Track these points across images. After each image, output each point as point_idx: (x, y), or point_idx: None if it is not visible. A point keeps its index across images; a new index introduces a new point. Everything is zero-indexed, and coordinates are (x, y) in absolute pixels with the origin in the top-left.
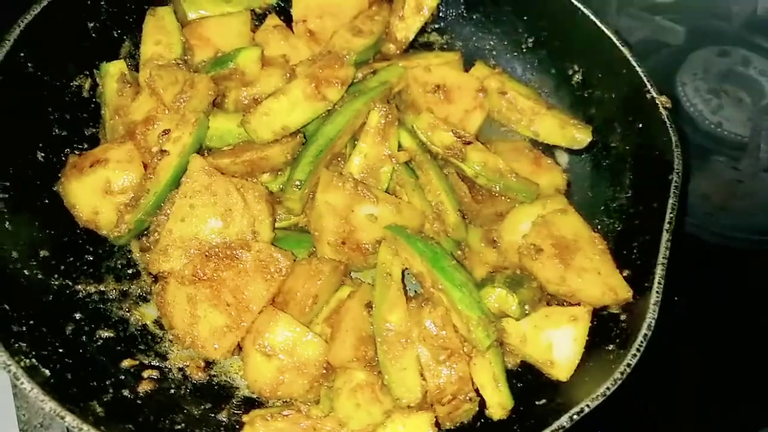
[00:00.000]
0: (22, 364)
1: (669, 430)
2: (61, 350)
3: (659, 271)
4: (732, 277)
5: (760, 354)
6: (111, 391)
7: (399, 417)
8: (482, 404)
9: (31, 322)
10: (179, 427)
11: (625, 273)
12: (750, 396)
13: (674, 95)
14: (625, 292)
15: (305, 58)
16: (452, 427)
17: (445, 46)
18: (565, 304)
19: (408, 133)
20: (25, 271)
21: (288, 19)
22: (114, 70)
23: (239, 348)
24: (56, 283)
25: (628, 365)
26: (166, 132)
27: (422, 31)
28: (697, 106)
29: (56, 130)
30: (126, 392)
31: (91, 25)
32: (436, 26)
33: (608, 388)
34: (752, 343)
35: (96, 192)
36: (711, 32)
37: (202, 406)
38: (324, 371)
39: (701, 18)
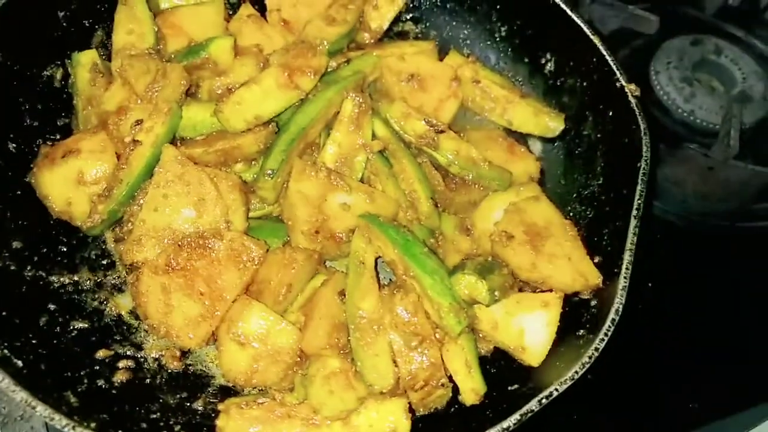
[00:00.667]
0: None
1: (638, 413)
2: (34, 341)
3: (627, 257)
4: (704, 261)
5: (731, 338)
6: (86, 381)
7: (372, 403)
8: (455, 390)
9: (4, 313)
10: (155, 416)
11: (597, 259)
12: (720, 379)
13: (648, 84)
14: (595, 278)
15: (279, 47)
16: (426, 413)
17: (419, 36)
18: (537, 290)
19: (382, 122)
20: None
21: (262, 9)
22: (86, 59)
23: (214, 337)
24: (29, 274)
25: (596, 349)
26: (139, 122)
27: (397, 20)
28: (670, 95)
29: (28, 121)
30: (101, 382)
31: (62, 14)
32: (411, 15)
33: (576, 372)
34: (723, 327)
35: (69, 182)
36: (684, 21)
37: (178, 395)
38: (298, 359)
39: (674, 7)
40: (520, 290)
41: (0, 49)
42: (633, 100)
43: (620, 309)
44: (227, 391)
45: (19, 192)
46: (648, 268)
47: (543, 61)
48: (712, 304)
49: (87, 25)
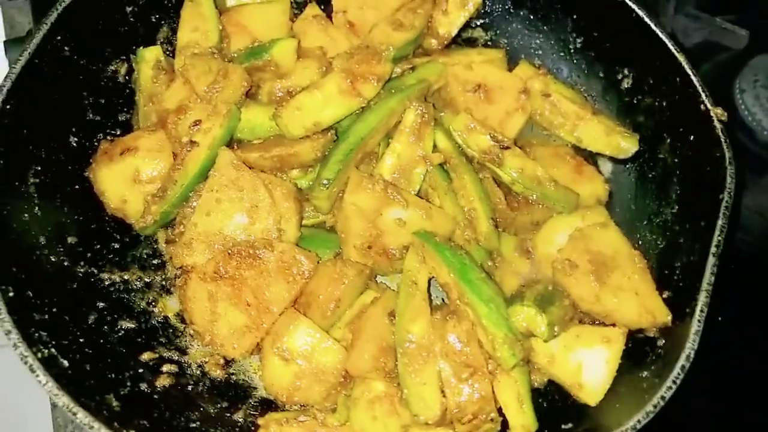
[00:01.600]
0: (40, 355)
1: None
2: (81, 340)
3: (702, 297)
4: None
5: None
6: (128, 384)
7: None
8: (504, 423)
9: (54, 309)
10: (194, 425)
11: (666, 294)
12: None
13: (732, 103)
14: (664, 316)
15: (343, 50)
16: None
17: (489, 43)
18: (598, 323)
19: (444, 134)
20: (52, 258)
21: (328, 10)
22: (150, 55)
23: (259, 347)
24: (81, 270)
25: (662, 398)
26: (198, 122)
27: (466, 26)
28: (756, 116)
29: (90, 115)
30: (143, 386)
31: (129, 9)
32: (481, 22)
33: (639, 421)
34: None
35: (125, 180)
36: None
37: (219, 405)
38: (342, 379)
39: (766, 20)
40: (581, 322)
41: (67, 43)
42: (718, 125)
43: (692, 355)
44: (268, 404)
45: (77, 187)
46: (722, 304)
47: (620, 76)
48: None
49: (153, 20)
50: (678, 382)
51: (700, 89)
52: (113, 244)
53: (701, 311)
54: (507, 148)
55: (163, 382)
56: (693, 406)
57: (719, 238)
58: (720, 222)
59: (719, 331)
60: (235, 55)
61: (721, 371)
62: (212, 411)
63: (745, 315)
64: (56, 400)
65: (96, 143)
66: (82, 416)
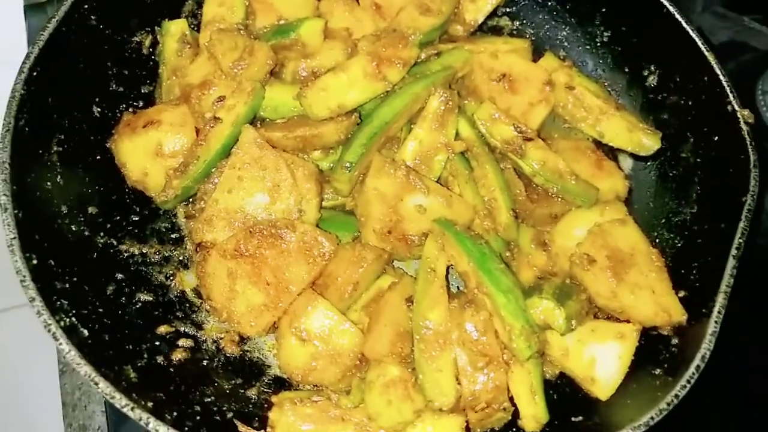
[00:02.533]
0: (62, 323)
1: None
2: (100, 310)
3: (721, 299)
4: None
5: None
6: (145, 356)
7: (429, 417)
8: (515, 413)
9: (75, 279)
10: (209, 399)
11: (681, 294)
12: None
13: (754, 104)
14: (680, 315)
15: (369, 32)
16: None
17: (514, 32)
18: (612, 318)
19: (467, 122)
20: (73, 227)
21: None
22: (175, 29)
23: (275, 327)
24: (101, 241)
25: (676, 396)
26: (222, 99)
27: (492, 14)
28: None
29: (114, 86)
30: (160, 359)
31: None
32: (508, 10)
33: (652, 418)
34: None
35: (147, 153)
36: None
37: (233, 381)
38: (358, 362)
39: None
40: (595, 316)
41: (94, 12)
42: (745, 128)
43: (707, 355)
44: (282, 383)
45: (98, 157)
46: (737, 308)
47: (645, 72)
48: None
49: None
50: (692, 381)
51: (728, 90)
52: (133, 216)
53: (719, 312)
54: (530, 139)
55: (178, 355)
56: (703, 405)
57: (740, 240)
58: (742, 224)
59: (728, 331)
60: (261, 32)
61: (728, 373)
62: (226, 387)
63: (755, 316)
64: (78, 369)
65: (118, 114)
66: (103, 386)
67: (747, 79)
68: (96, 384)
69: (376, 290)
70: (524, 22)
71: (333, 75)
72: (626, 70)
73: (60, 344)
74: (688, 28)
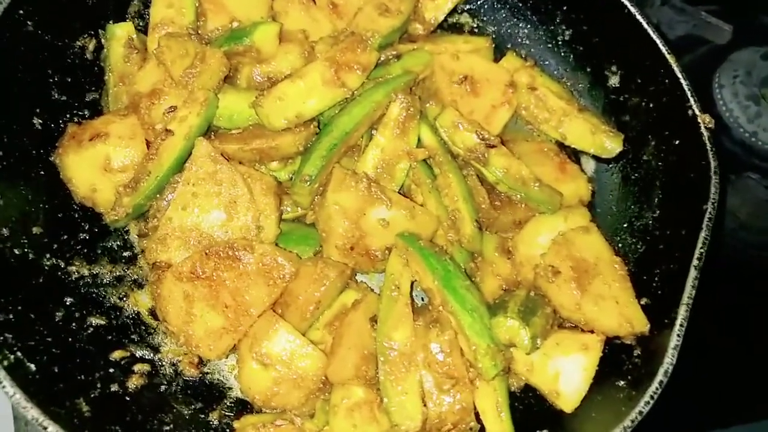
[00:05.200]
0: (6, 362)
1: None
2: (48, 339)
3: (683, 311)
4: (750, 298)
5: None
6: (99, 386)
7: None
8: (481, 430)
9: (19, 307)
10: (168, 428)
11: (644, 301)
12: None
13: (710, 98)
14: (642, 326)
15: (326, 34)
16: None
17: (475, 30)
18: (577, 329)
19: (429, 128)
20: (16, 250)
21: None
22: (121, 32)
23: (235, 347)
24: (48, 263)
25: (640, 412)
26: (173, 109)
27: (453, 11)
28: (733, 112)
29: (56, 95)
30: (115, 387)
31: None
32: (468, 7)
33: None
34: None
35: (94, 168)
36: (759, 32)
37: (193, 406)
38: (321, 385)
39: (752, 15)
40: (560, 326)
41: (30, 17)
42: (705, 133)
43: (669, 370)
44: (244, 405)
45: (42, 172)
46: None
47: (607, 73)
48: (757, 342)
49: None
50: (656, 397)
51: (689, 94)
52: (82, 234)
53: (681, 325)
54: (493, 146)
55: (135, 382)
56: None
57: (701, 250)
58: (703, 234)
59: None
60: (212, 34)
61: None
62: (186, 412)
63: (713, 311)
64: (25, 413)
65: (62, 126)
66: (52, 430)
67: (704, 73)
68: (45, 428)
69: (339, 306)
70: (485, 19)
71: (290, 82)
72: (588, 69)
73: (4, 387)
74: (649, 30)
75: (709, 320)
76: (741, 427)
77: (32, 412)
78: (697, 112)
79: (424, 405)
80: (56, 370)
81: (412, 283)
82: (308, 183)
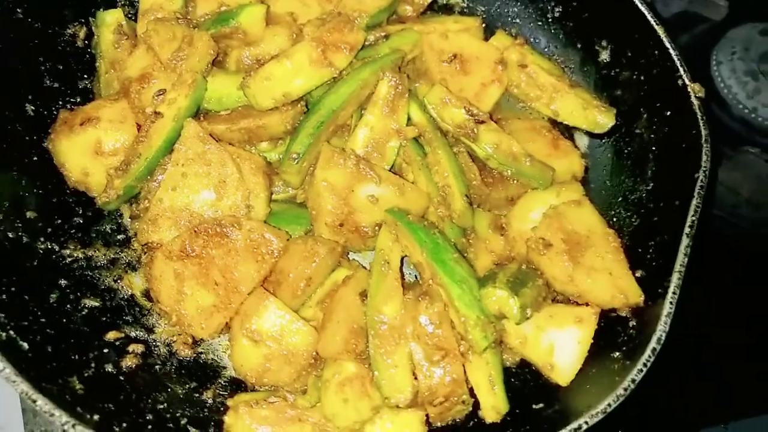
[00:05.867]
0: None
1: None
2: (43, 320)
3: (675, 279)
4: (750, 275)
5: None
6: (93, 366)
7: (388, 414)
8: (476, 404)
9: (13, 289)
10: (162, 406)
11: (639, 273)
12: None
13: (708, 75)
14: (637, 297)
15: (314, 17)
16: (442, 425)
17: (465, 10)
18: (571, 302)
19: (419, 107)
20: (9, 234)
21: None
22: (111, 19)
23: (228, 327)
24: (42, 246)
25: (633, 381)
26: (162, 92)
27: None
28: (731, 89)
29: (48, 82)
30: (109, 367)
31: None
32: None
33: (609, 405)
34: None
35: (86, 152)
36: (755, 8)
37: (187, 385)
38: (312, 361)
39: None
40: (554, 300)
41: (19, 3)
42: (696, 102)
43: (663, 338)
44: (238, 384)
45: (35, 158)
46: (686, 275)
47: (598, 48)
48: (755, 319)
49: None
50: (648, 364)
51: (678, 64)
52: (75, 218)
53: (673, 293)
54: (482, 122)
55: (129, 362)
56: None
57: (693, 218)
58: (694, 202)
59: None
60: (201, 20)
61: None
62: (180, 391)
63: (713, 290)
64: (15, 387)
65: (55, 112)
66: (41, 403)
67: (701, 50)
68: (34, 401)
69: (331, 284)
70: None
71: (277, 63)
72: (579, 46)
73: None
74: (636, 2)
75: (709, 301)
76: (738, 422)
77: (22, 386)
78: (687, 81)
79: (415, 378)
80: (50, 350)
81: (403, 259)
82: (296, 161)
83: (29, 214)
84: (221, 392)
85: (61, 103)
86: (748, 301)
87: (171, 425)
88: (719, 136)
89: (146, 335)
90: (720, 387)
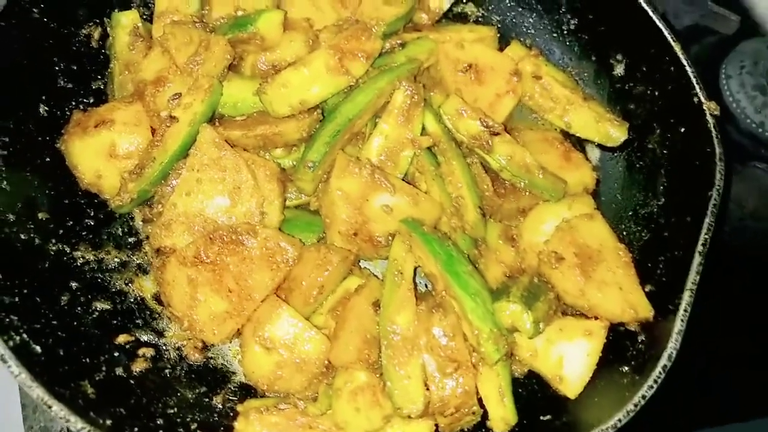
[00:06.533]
0: (11, 343)
1: None
2: (54, 323)
3: (686, 297)
4: (754, 288)
5: None
6: (104, 369)
7: (399, 423)
8: (484, 414)
9: (25, 291)
10: (172, 411)
11: (648, 288)
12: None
13: (717, 89)
14: (646, 312)
15: (331, 23)
16: None
17: (480, 19)
18: (581, 315)
19: (433, 116)
20: (22, 235)
21: None
22: (126, 20)
23: (239, 332)
24: (53, 248)
25: (643, 396)
26: (177, 96)
27: (457, 0)
28: (740, 103)
29: (61, 82)
30: (119, 371)
31: None
32: None
33: (620, 420)
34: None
35: (100, 155)
36: (766, 22)
37: (197, 390)
38: (324, 369)
39: (760, 5)
40: (563, 313)
41: (35, 3)
42: (710, 120)
43: (674, 354)
44: (248, 389)
45: (47, 159)
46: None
47: (612, 62)
48: (759, 329)
49: None
50: (659, 381)
51: (694, 81)
52: (87, 220)
53: (685, 311)
54: (497, 134)
55: (139, 366)
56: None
57: (706, 236)
58: (708, 220)
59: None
60: (217, 23)
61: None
62: (190, 396)
63: (717, 302)
64: (30, 392)
65: (68, 113)
66: (57, 408)
67: (711, 64)
68: (49, 407)
69: (342, 292)
70: (490, 8)
71: (294, 70)
72: (593, 58)
73: (9, 366)
74: (654, 18)
75: (715, 313)
76: (737, 425)
77: (37, 392)
78: (702, 99)
79: (427, 389)
80: (61, 353)
81: (416, 269)
82: (311, 169)
83: (41, 216)
84: (231, 398)
85: (74, 103)
86: (752, 311)
87: (181, 430)
88: (727, 151)
89: (156, 339)
90: (724, 396)
